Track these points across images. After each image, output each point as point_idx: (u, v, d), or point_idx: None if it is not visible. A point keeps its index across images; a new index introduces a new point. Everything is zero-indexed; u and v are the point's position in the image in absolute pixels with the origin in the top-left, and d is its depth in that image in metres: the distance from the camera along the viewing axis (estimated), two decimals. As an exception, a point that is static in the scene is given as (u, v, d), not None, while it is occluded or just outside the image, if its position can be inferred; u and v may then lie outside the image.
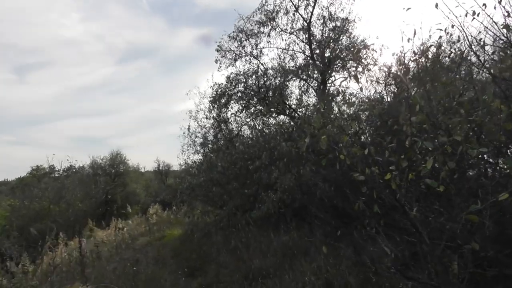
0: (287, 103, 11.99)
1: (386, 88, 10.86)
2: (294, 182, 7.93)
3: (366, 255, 5.42)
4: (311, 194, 7.41)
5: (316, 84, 13.32)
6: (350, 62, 11.97)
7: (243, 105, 12.21)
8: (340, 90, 12.03)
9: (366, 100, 10.75)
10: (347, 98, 11.33)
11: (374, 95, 11.01)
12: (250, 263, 6.31)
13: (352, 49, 11.76)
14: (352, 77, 12.12)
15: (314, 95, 13.18)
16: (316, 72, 13.14)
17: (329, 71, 12.54)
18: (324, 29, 12.25)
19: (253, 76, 11.74)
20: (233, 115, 12.01)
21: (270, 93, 11.84)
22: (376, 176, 3.19)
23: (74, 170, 31.02)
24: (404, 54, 10.28)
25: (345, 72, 12.55)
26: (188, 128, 12.72)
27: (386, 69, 11.09)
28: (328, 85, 12.77)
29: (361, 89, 12.15)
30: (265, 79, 11.83)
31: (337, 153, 3.36)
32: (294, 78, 12.85)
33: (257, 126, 12.69)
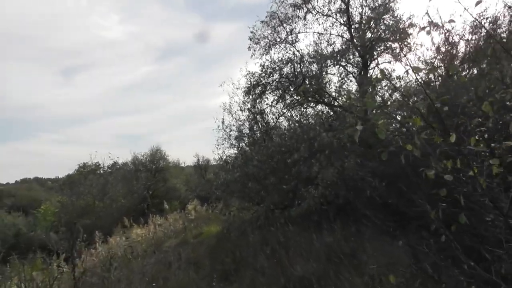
0: (326, 91, 11.06)
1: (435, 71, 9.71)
2: (337, 176, 7.07)
3: (428, 263, 4.53)
4: (358, 190, 6.53)
5: (356, 70, 12.31)
6: (394, 43, 10.85)
7: (279, 95, 11.38)
8: (385, 74, 10.98)
9: (414, 84, 9.69)
10: (393, 82, 10.28)
11: (424, 78, 9.94)
12: (289, 270, 5.54)
13: (396, 28, 10.64)
14: (397, 60, 11.02)
15: (354, 82, 12.19)
16: (356, 56, 12.13)
17: (371, 55, 11.49)
18: (364, 9, 11.18)
19: (289, 64, 10.87)
20: (268, 106, 11.21)
21: (307, 81, 10.95)
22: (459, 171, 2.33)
23: (117, 167, 31.45)
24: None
25: (388, 55, 11.45)
26: (223, 121, 12.05)
27: (434, 49, 9.98)
28: (370, 70, 11.72)
29: (407, 72, 11.08)
30: (301, 66, 10.95)
31: (401, 142, 2.49)
32: (331, 65, 11.91)
33: (295, 117, 11.88)
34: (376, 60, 11.16)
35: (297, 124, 10.07)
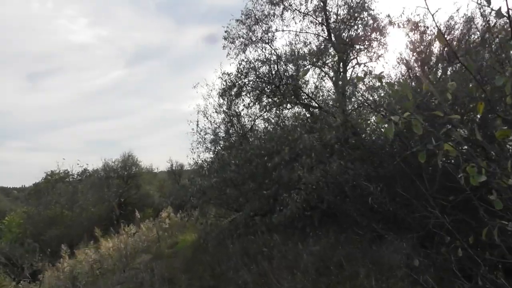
0: (304, 91, 10.63)
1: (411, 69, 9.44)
2: (322, 180, 6.60)
3: (429, 275, 4.08)
4: (345, 194, 6.06)
5: (332, 72, 11.95)
6: (373, 41, 10.53)
7: (255, 97, 10.87)
8: (363, 74, 10.65)
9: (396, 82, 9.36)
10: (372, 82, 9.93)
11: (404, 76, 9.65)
12: (276, 286, 4.99)
13: (373, 27, 10.33)
14: (375, 59, 10.68)
15: (331, 84, 11.84)
16: (333, 57, 11.78)
17: (348, 55, 11.15)
18: (341, 8, 10.83)
19: (265, 64, 10.37)
20: (244, 107, 10.67)
21: (284, 82, 10.48)
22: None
23: (87, 174, 30.12)
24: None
25: (367, 54, 11.13)
26: (197, 124, 11.42)
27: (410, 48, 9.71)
28: (349, 70, 11.37)
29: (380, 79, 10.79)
30: (278, 67, 10.47)
31: (433, 140, 1.98)
32: (308, 65, 11.51)
33: (272, 119, 11.38)
34: (355, 60, 10.82)
35: (276, 126, 9.58)
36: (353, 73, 10.72)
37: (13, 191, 52.10)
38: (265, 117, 11.38)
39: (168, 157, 41.02)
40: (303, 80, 11.31)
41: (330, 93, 11.79)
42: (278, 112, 11.28)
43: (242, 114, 11.11)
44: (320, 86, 11.22)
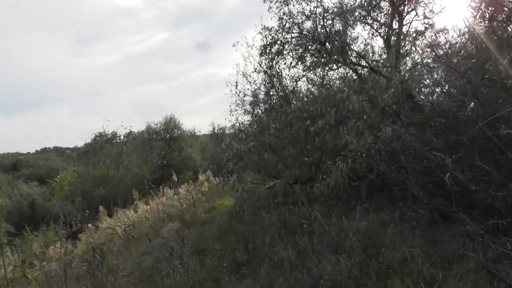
0: (353, 49, 9.51)
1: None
2: (373, 147, 5.70)
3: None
4: (399, 164, 5.15)
5: (384, 30, 10.68)
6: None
7: (299, 55, 9.89)
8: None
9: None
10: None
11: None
12: (316, 268, 4.27)
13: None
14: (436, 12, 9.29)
15: (381, 43, 10.59)
16: (384, 12, 10.50)
17: (405, 7, 9.84)
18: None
19: (310, 19, 9.29)
20: (287, 67, 9.75)
21: (330, 39, 9.40)
22: None
23: (133, 136, 30.52)
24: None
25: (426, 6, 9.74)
26: (236, 85, 10.65)
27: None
28: (407, 25, 10.07)
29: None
30: (324, 22, 9.37)
31: None
32: (357, 22, 10.30)
33: (316, 81, 10.40)
34: (413, 12, 9.51)
35: (320, 88, 8.65)
36: (410, 27, 9.44)
37: (66, 151, 54.37)
38: (309, 78, 10.43)
39: (211, 120, 40.76)
40: (351, 38, 10.19)
41: (382, 52, 10.62)
42: (322, 72, 10.28)
43: (283, 74, 10.21)
44: (371, 45, 10.06)
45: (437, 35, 8.35)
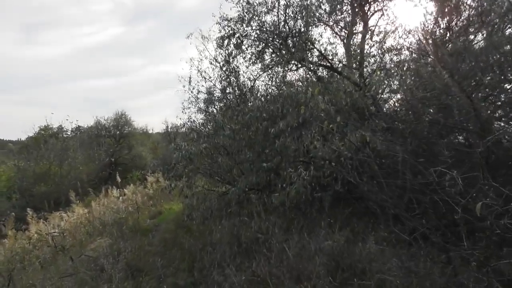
0: (316, 48, 8.82)
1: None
2: (341, 154, 4.96)
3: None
4: (369, 174, 4.45)
5: (344, 33, 10.10)
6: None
7: (258, 52, 9.07)
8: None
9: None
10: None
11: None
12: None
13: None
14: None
15: (341, 45, 9.99)
16: (344, 15, 9.92)
17: (367, 10, 9.30)
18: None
19: (272, 12, 8.49)
20: (245, 62, 8.89)
21: (292, 35, 8.65)
22: None
23: (81, 131, 28.47)
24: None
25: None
26: (189, 81, 9.67)
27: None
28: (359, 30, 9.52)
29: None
30: (286, 16, 8.60)
31: None
32: (318, 24, 9.65)
33: (274, 80, 9.61)
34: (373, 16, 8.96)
35: (281, 86, 7.87)
36: (376, 27, 8.88)
37: (8, 144, 50.25)
38: (268, 77, 9.63)
39: (164, 118, 39.12)
40: (314, 37, 9.51)
41: (344, 55, 10.03)
42: (282, 72, 9.52)
43: (241, 71, 9.34)
44: (334, 44, 9.42)
45: (402, 37, 7.84)
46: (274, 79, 9.03)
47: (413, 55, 7.83)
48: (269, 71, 9.51)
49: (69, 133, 27.62)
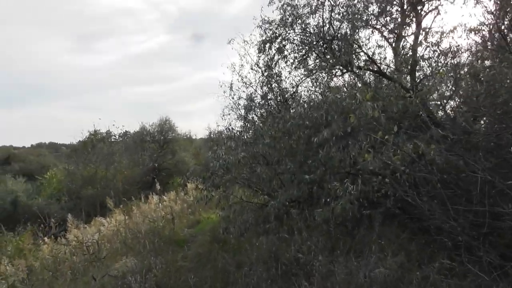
0: (364, 52, 8.20)
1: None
2: (394, 167, 4.36)
3: None
4: (428, 190, 3.82)
5: (393, 36, 9.37)
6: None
7: (301, 56, 8.57)
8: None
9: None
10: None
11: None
12: None
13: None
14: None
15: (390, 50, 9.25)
16: (394, 17, 9.19)
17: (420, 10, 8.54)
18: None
19: (316, 14, 7.97)
20: (287, 67, 8.41)
21: (338, 38, 8.09)
22: None
23: (128, 136, 29.12)
24: None
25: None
26: (231, 86, 9.30)
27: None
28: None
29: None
30: (331, 18, 8.05)
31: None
32: (365, 26, 8.98)
33: (318, 86, 9.04)
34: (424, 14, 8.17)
35: (326, 92, 7.32)
36: (431, 28, 8.09)
37: (61, 147, 52.73)
38: (311, 83, 9.08)
39: (208, 124, 39.36)
40: (361, 40, 8.87)
41: (392, 59, 9.31)
42: (327, 77, 8.94)
43: (283, 76, 8.86)
44: (383, 47, 8.73)
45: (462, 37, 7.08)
46: (317, 84, 8.49)
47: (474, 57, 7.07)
48: (313, 76, 8.98)
49: (116, 138, 28.30)
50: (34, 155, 41.23)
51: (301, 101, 8.00)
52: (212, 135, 30.85)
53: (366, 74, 8.49)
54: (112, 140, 27.73)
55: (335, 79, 8.88)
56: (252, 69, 8.52)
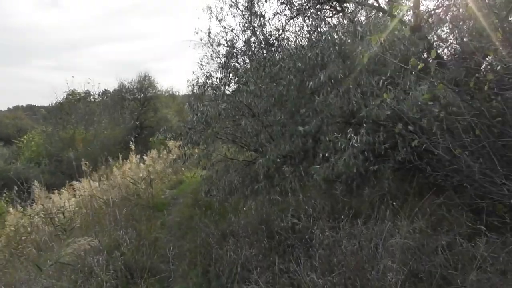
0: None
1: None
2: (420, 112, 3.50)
3: None
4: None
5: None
6: None
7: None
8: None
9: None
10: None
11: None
12: None
13: None
14: None
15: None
16: None
17: None
18: None
19: None
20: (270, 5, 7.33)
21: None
22: None
23: (108, 95, 27.67)
24: None
25: None
26: (209, 32, 8.20)
27: None
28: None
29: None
30: None
31: None
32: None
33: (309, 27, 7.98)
34: None
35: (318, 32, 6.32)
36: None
37: (40, 110, 50.61)
38: (297, 26, 7.99)
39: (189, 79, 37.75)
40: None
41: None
42: (315, 19, 7.86)
43: (266, 18, 7.77)
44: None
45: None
46: (308, 25, 7.44)
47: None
48: (299, 17, 7.91)
49: (96, 98, 26.85)
50: (10, 118, 39.35)
51: (287, 45, 7.02)
52: (194, 90, 29.53)
53: (358, 16, 7.52)
54: (92, 100, 26.33)
55: (323, 22, 7.86)
56: (231, 7, 7.38)
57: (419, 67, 2.84)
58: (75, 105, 24.42)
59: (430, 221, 3.27)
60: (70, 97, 26.08)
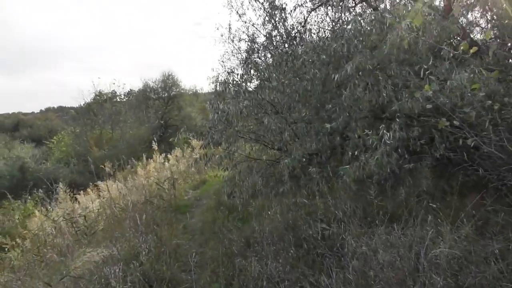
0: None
1: None
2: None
3: None
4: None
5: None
6: None
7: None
8: None
9: None
10: None
11: None
12: None
13: None
14: None
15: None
16: None
17: None
18: None
19: None
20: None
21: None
22: None
23: (134, 95, 27.95)
24: None
25: None
26: (229, 28, 7.95)
27: None
28: None
29: None
30: None
31: None
32: None
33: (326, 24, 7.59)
34: None
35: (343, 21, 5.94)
36: None
37: (70, 111, 51.83)
38: (320, 17, 7.61)
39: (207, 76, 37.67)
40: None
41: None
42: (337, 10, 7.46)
43: (288, 10, 7.42)
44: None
45: None
46: (332, 15, 7.06)
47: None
48: (321, 8, 7.53)
49: (122, 98, 27.15)
50: (41, 120, 40.45)
51: (313, 35, 6.67)
52: (217, 88, 29.37)
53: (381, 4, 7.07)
54: (118, 100, 26.64)
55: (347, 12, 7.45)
56: (251, 0, 7.07)
57: (471, 50, 2.46)
58: (102, 105, 24.76)
59: (476, 225, 2.90)
60: (98, 97, 26.48)
